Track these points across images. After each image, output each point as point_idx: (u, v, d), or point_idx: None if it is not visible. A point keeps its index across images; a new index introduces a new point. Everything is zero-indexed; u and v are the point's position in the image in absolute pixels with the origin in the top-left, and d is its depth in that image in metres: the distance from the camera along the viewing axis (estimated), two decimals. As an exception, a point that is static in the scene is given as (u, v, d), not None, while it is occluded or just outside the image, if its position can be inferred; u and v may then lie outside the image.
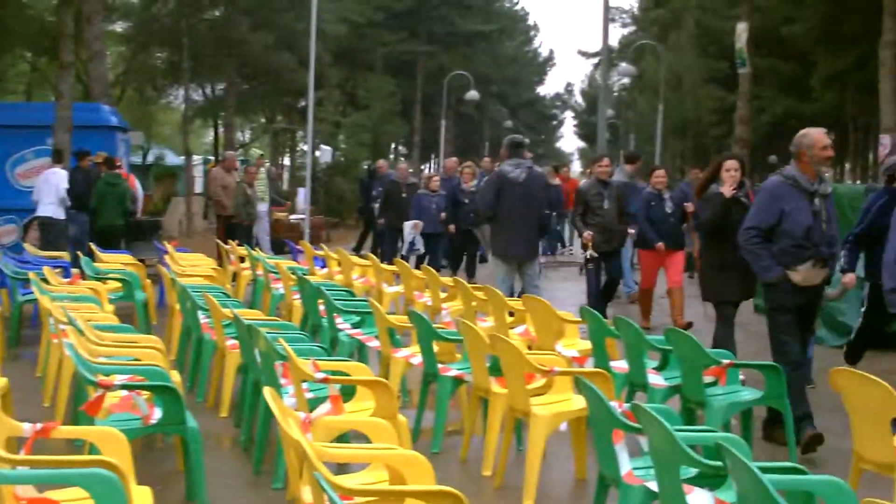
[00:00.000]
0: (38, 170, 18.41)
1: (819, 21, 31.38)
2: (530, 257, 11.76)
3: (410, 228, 17.36)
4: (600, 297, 12.53)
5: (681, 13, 49.02)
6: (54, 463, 4.29)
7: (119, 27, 36.96)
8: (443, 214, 17.52)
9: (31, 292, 10.04)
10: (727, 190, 9.09)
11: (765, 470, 3.76)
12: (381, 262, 14.08)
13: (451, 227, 17.69)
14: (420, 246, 17.29)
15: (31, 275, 10.26)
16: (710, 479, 4.59)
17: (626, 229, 13.15)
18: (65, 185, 16.09)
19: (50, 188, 16.15)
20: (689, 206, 12.58)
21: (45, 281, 10.38)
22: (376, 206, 20.09)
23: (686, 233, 13.91)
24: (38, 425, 4.69)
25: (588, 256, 12.42)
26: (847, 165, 47.05)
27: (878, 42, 21.47)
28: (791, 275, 7.46)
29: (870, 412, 5.41)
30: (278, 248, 18.75)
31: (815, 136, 7.57)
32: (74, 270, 12.22)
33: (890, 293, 7.33)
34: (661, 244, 12.95)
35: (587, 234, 12.24)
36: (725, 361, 6.92)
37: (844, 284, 9.05)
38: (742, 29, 24.59)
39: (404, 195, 18.36)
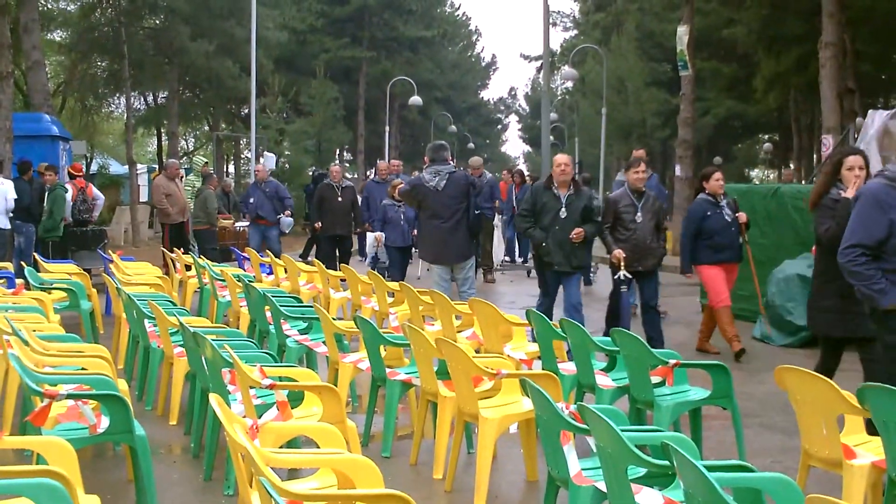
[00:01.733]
0: (-20, 181, 18.24)
1: (759, 23, 31.74)
2: (460, 261, 11.84)
3: (373, 241, 16.32)
4: (619, 321, 10.67)
5: (622, 17, 49.44)
6: (0, 474, 4.24)
7: (58, 36, 36.63)
8: (414, 231, 15.11)
9: (-25, 303, 9.92)
10: (853, 193, 7.31)
11: (712, 468, 3.80)
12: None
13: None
14: (384, 259, 15.77)
15: (-26, 286, 10.16)
16: (658, 479, 4.63)
17: (663, 247, 11.25)
18: (13, 195, 15.96)
19: None
20: (743, 216, 11.42)
21: (-11, 291, 10.28)
22: None
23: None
24: (-16, 436, 4.65)
25: (619, 278, 10.78)
26: (791, 166, 47.53)
27: (818, 43, 21.77)
28: None
29: (817, 409, 5.47)
30: (224, 255, 18.68)
31: None
32: (19, 281, 12.09)
33: None
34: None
35: (617, 251, 10.74)
36: (672, 361, 6.98)
37: None
38: (683, 32, 24.79)
39: (339, 199, 17.63)
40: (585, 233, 10.74)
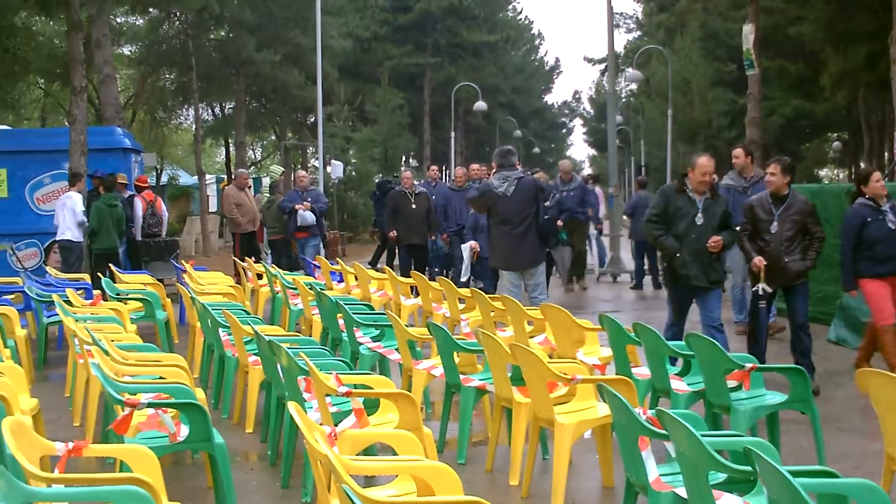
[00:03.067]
0: (56, 194, 18.75)
1: (827, 19, 31.28)
2: (529, 267, 11.71)
3: (468, 252, 14.79)
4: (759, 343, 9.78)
5: (686, 17, 49.00)
6: (88, 481, 4.33)
7: (127, 50, 37.20)
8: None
9: (56, 314, 10.13)
10: None
11: (795, 474, 3.76)
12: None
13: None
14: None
15: (55, 297, 10.36)
16: (739, 485, 4.59)
17: (806, 262, 9.63)
18: (80, 208, 16.26)
19: (66, 212, 16.33)
20: None
21: (69, 303, 10.49)
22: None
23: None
24: (71, 444, 4.74)
25: (759, 291, 9.62)
26: (862, 164, 46.81)
27: (888, 39, 21.41)
28: None
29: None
30: (294, 264, 18.82)
31: None
32: (96, 292, 12.31)
33: None
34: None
35: (757, 259, 9.57)
36: (749, 365, 6.91)
37: None
38: (749, 30, 24.51)
39: (413, 207, 16.71)
40: (723, 241, 9.51)
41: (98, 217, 16.07)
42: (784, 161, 9.78)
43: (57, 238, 16.67)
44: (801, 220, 9.62)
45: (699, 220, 9.50)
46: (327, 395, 6.16)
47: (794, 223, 9.61)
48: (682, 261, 9.54)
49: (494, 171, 12.03)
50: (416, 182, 17.85)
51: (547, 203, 11.75)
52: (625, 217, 22.65)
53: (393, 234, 16.98)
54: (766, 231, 9.64)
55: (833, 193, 13.66)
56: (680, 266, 9.57)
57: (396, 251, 18.26)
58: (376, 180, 31.88)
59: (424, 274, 15.15)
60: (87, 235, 16.35)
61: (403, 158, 53.22)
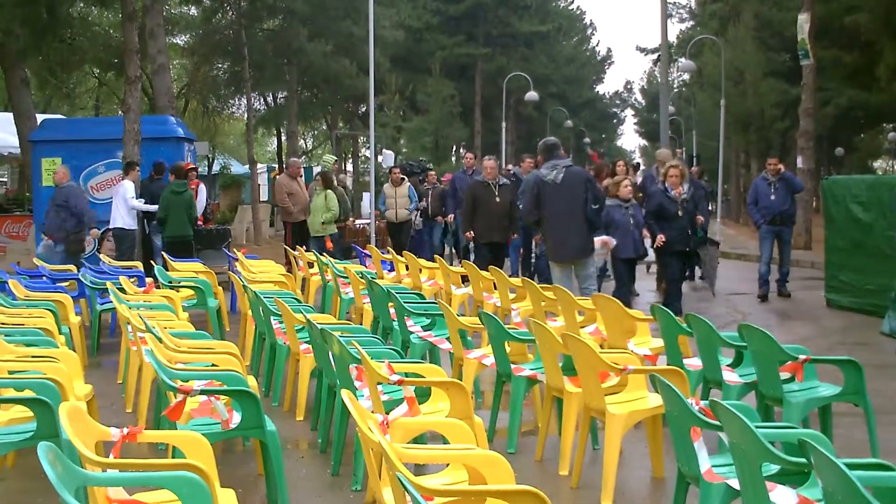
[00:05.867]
0: (110, 182, 18.96)
1: (884, 9, 30.81)
2: (581, 257, 11.67)
3: (601, 249, 12.74)
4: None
5: (740, 6, 48.47)
6: (143, 466, 4.38)
7: (181, 40, 37.49)
8: (646, 233, 13.28)
9: (110, 301, 10.24)
10: None
11: (850, 466, 3.72)
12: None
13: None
14: (610, 270, 13.49)
15: (109, 284, 10.48)
16: (792, 476, 4.55)
17: None
18: (132, 195, 16.43)
19: (119, 200, 16.50)
20: None
21: (122, 290, 10.59)
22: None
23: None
24: (125, 430, 4.78)
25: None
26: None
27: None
28: None
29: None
30: (346, 252, 18.85)
31: None
32: (149, 280, 12.43)
33: None
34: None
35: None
36: (802, 357, 6.84)
37: None
38: (804, 20, 24.32)
39: (497, 199, 14.58)
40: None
41: (166, 205, 16.20)
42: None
43: (110, 226, 16.87)
44: None
45: None
46: (379, 384, 6.18)
47: None
48: None
49: (541, 164, 12.00)
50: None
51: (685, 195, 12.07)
52: None
53: (470, 234, 14.84)
54: None
55: (889, 185, 13.50)
56: None
57: (472, 247, 16.83)
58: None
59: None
60: (158, 224, 16.51)
61: (454, 148, 53.27)
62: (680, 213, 12.79)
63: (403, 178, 20.51)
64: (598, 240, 12.23)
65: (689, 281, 14.74)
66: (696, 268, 16.12)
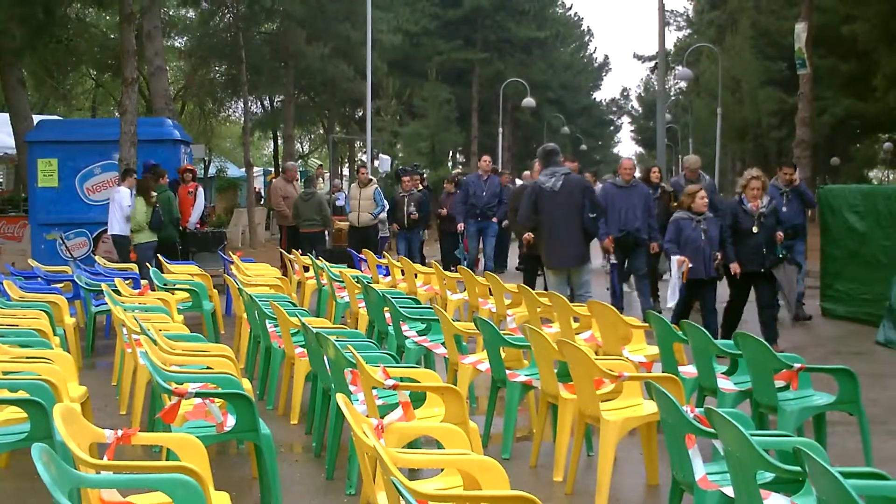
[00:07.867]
0: (106, 184, 18.90)
1: (881, 18, 30.88)
2: (577, 264, 11.64)
3: (676, 268, 11.31)
4: None
5: (737, 15, 48.61)
6: (137, 468, 4.38)
7: (178, 43, 37.49)
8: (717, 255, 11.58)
9: (105, 303, 10.23)
10: None
11: (844, 475, 3.72)
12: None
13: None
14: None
15: (104, 286, 10.47)
16: (786, 485, 4.55)
17: None
18: (127, 202, 16.40)
19: (115, 207, 16.45)
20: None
21: (117, 292, 10.58)
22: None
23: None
24: (119, 432, 4.78)
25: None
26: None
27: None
28: None
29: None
30: (337, 257, 18.78)
31: None
32: (143, 282, 12.42)
33: None
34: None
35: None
36: (797, 365, 6.85)
37: None
38: (801, 29, 24.31)
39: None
40: None
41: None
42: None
43: (109, 234, 16.83)
44: None
45: None
46: (374, 388, 6.18)
47: None
48: None
49: (539, 169, 11.97)
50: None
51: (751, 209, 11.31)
52: None
53: (529, 236, 12.40)
54: None
55: (885, 195, 13.51)
56: None
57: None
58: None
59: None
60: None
61: (451, 153, 53.26)
62: (755, 229, 11.53)
63: (371, 180, 19.70)
64: (674, 259, 11.27)
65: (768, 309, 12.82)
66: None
